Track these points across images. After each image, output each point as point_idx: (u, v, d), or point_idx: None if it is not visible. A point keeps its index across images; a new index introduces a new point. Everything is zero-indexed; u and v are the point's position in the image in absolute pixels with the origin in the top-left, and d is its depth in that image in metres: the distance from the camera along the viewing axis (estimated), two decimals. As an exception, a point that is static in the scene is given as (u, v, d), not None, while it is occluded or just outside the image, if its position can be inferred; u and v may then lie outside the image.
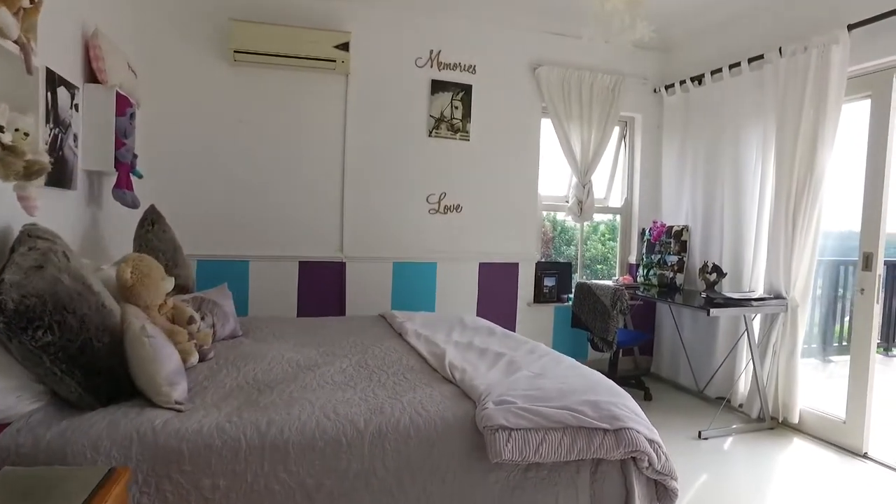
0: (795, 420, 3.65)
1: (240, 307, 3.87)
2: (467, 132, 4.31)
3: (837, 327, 6.02)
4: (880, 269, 3.31)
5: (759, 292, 3.82)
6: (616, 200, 5.06)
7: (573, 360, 2.53)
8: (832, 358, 5.87)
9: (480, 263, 4.42)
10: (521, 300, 4.54)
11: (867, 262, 3.34)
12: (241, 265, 3.92)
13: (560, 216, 5.22)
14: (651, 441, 1.93)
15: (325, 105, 4.02)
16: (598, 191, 4.97)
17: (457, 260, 4.36)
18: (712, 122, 4.27)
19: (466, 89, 4.30)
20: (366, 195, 4.13)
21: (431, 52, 4.22)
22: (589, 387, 2.09)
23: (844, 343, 6.04)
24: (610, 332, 3.96)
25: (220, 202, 3.86)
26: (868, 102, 3.41)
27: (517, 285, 4.53)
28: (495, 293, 4.47)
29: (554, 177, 4.83)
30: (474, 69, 4.32)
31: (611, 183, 5.04)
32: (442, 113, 4.26)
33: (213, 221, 3.85)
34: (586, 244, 6.17)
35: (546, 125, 4.60)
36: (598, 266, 5.75)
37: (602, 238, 5.91)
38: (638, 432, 1.91)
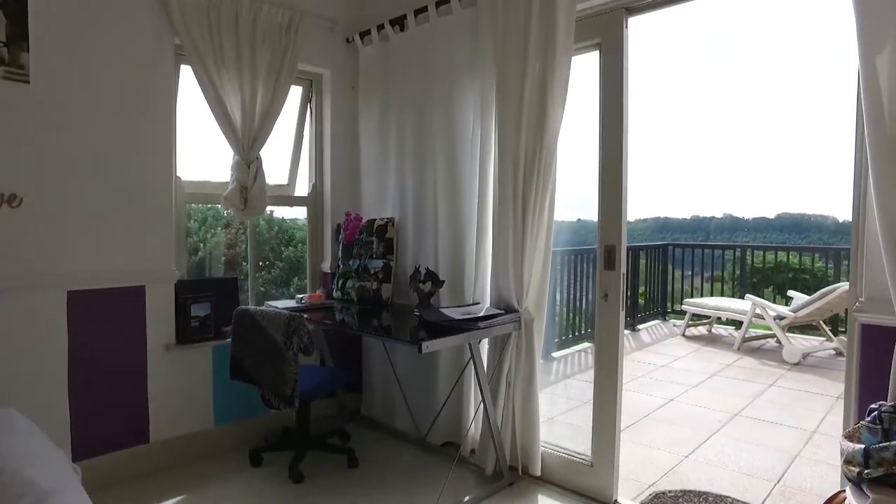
0: (538, 470, 2.77)
1: None
2: (24, 68, 2.48)
3: (557, 319, 5.70)
4: (624, 267, 2.56)
5: (486, 304, 2.86)
6: (304, 188, 3.73)
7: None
8: (555, 354, 5.50)
9: (71, 293, 2.63)
10: (153, 344, 2.89)
11: (609, 257, 2.57)
12: None
13: (220, 208, 3.64)
14: None
15: None
16: (277, 174, 3.59)
17: (20, 289, 2.51)
18: (419, 80, 3.20)
19: (22, -5, 2.48)
20: None
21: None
22: None
23: (565, 337, 5.74)
24: (287, 381, 2.60)
25: None
26: (598, 55, 2.66)
27: (145, 321, 2.87)
28: (105, 339, 2.73)
29: (210, 153, 3.29)
30: (38, -37, 2.52)
31: (295, 164, 3.69)
32: (-29, 31, 2.37)
33: None
34: (292, 244, 4.78)
35: (187, 74, 3.03)
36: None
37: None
38: None
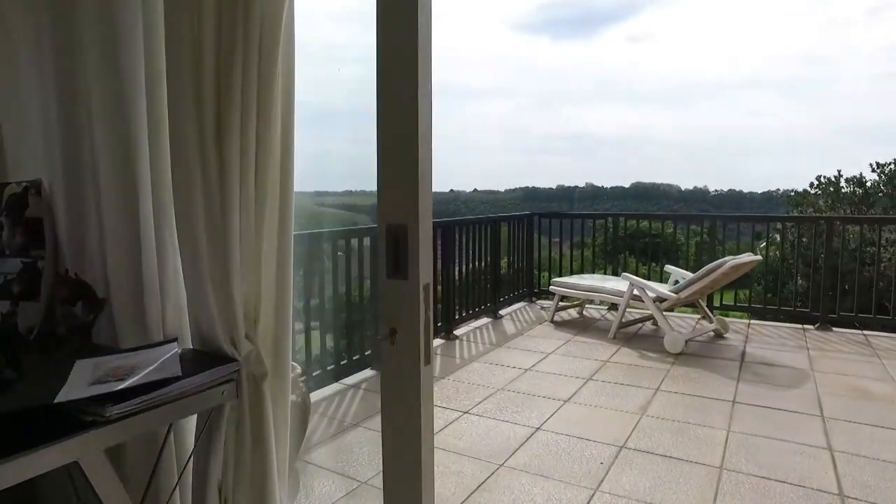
0: None
1: None
2: None
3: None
4: (429, 275, 1.30)
5: (187, 345, 1.51)
6: None
7: None
8: (347, 380, 3.99)
9: None
10: None
11: (396, 252, 1.29)
12: None
13: None
14: None
15: None
16: None
17: None
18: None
19: None
20: None
21: None
22: None
23: (358, 356, 4.24)
24: None
25: None
26: None
27: None
28: None
29: None
30: None
31: None
32: None
33: None
34: None
35: None
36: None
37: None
38: None
